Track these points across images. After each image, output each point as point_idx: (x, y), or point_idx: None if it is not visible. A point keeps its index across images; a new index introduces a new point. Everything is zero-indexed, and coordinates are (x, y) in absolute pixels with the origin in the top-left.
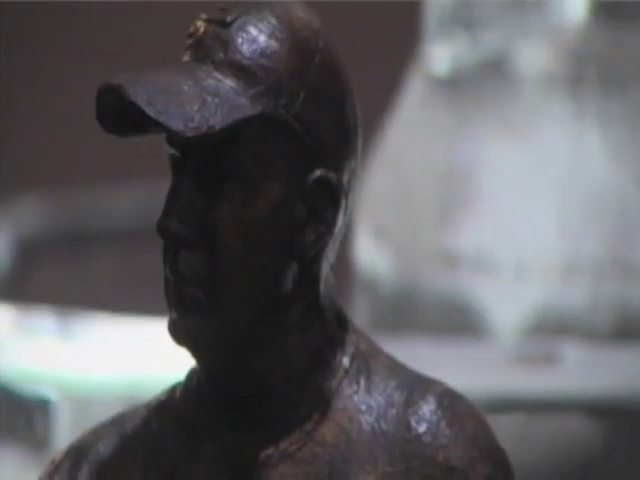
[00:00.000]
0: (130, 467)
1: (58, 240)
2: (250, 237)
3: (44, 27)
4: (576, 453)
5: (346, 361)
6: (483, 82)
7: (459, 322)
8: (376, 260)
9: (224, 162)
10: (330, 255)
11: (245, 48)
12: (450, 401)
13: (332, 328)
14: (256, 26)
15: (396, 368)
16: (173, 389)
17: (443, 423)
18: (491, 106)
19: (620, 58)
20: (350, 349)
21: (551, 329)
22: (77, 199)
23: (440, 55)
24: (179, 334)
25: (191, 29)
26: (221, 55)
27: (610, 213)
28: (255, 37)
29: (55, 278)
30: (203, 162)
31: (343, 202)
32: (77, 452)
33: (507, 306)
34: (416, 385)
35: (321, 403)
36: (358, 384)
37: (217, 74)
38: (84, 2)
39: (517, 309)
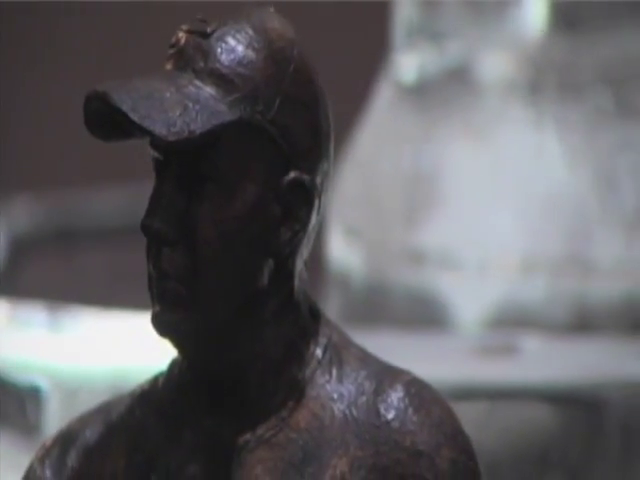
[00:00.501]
0: (115, 452)
1: (49, 239)
2: (228, 235)
3: (38, 32)
4: (534, 438)
5: (319, 352)
6: (448, 89)
7: (425, 315)
8: (347, 257)
9: (204, 165)
10: (304, 252)
11: (224, 57)
12: (417, 389)
13: (306, 321)
14: (234, 37)
15: (366, 359)
16: (156, 379)
17: (410, 410)
18: (455, 111)
19: (577, 66)
20: (323, 341)
21: (511, 322)
22: (66, 200)
23: (407, 64)
24: (162, 327)
25: (173, 39)
26: (201, 64)
27: (567, 213)
28: (233, 47)
29: (46, 274)
30: (184, 165)
31: (316, 202)
32: (66, 438)
33: (470, 300)
34: (385, 375)
35: (295, 391)
36: (330, 374)
37: (197, 82)
38: (72, 3)
39: (479, 303)
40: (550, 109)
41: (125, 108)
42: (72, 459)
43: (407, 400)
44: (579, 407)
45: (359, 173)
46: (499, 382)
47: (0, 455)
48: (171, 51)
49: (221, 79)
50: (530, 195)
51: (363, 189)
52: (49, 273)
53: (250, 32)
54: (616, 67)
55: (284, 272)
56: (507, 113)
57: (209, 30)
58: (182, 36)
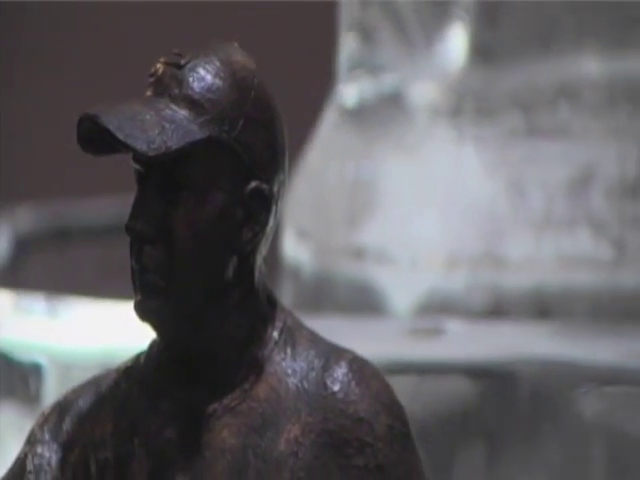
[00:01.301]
0: (103, 418)
1: (47, 238)
2: (200, 235)
3: (40, 46)
4: (457, 407)
5: (276, 334)
6: (383, 112)
7: (364, 303)
8: (299, 254)
9: (179, 175)
10: (263, 250)
11: (195, 85)
12: (358, 366)
13: (264, 308)
14: (204, 67)
15: (315, 339)
16: (138, 356)
17: (353, 383)
18: (389, 131)
19: (491, 93)
20: (279, 325)
21: (437, 309)
22: (63, 206)
23: (349, 91)
24: (142, 313)
25: (152, 70)
26: (176, 91)
27: (484, 216)
28: (203, 76)
29: (44, 269)
30: (162, 175)
31: (273, 207)
32: (61, 407)
33: (402, 290)
34: (331, 353)
35: (256, 368)
36: (285, 352)
37: (173, 106)
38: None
39: (410, 293)
40: (469, 129)
41: (112, 128)
42: (67, 425)
43: (350, 375)
44: (494, 380)
45: (309, 183)
46: (427, 359)
47: (7, 422)
48: (150, 79)
49: (193, 103)
50: (452, 201)
51: (312, 196)
52: (47, 268)
53: (217, 64)
54: (524, 94)
55: (246, 266)
56: (433, 132)
57: (183, 62)
58: (160, 67)
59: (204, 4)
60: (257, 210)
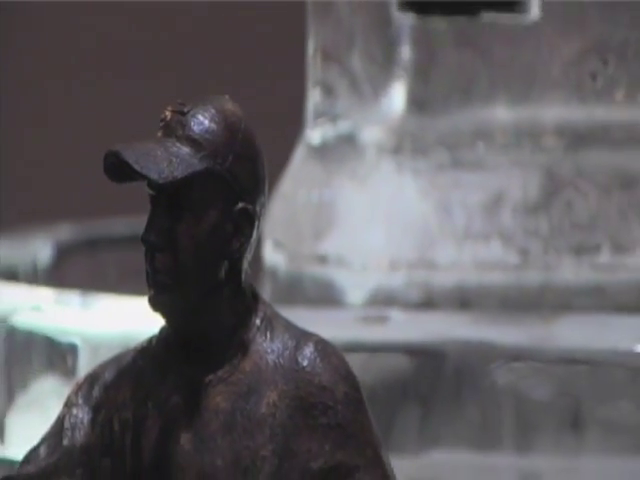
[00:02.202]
0: (124, 387)
1: (81, 246)
2: (198, 245)
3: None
4: (398, 379)
5: (258, 322)
6: (340, 150)
7: (326, 298)
8: (275, 259)
9: (182, 198)
10: (248, 256)
11: (195, 128)
12: (322, 346)
13: (249, 301)
14: (202, 114)
15: (289, 326)
16: (151, 339)
17: (318, 360)
18: (345, 165)
19: (424, 135)
20: (260, 314)
21: (382, 301)
22: (93, 221)
23: (315, 134)
24: (154, 305)
25: (162, 116)
26: (180, 132)
27: (418, 230)
28: (202, 121)
29: (79, 271)
30: (169, 198)
31: (256, 223)
32: (91, 378)
33: (355, 288)
34: (301, 336)
35: (242, 348)
36: (265, 336)
37: (178, 144)
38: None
39: (362, 289)
40: (407, 163)
41: (131, 162)
42: (95, 392)
43: (315, 353)
44: (427, 357)
45: (283, 204)
46: (375, 341)
47: (49, 391)
48: (161, 124)
49: (193, 142)
50: (394, 219)
51: (286, 215)
52: (81, 270)
53: (213, 111)
54: (450, 136)
55: (235, 269)
56: (379, 166)
57: (185, 110)
58: (168, 114)
59: (192, 60)
60: (243, 225)
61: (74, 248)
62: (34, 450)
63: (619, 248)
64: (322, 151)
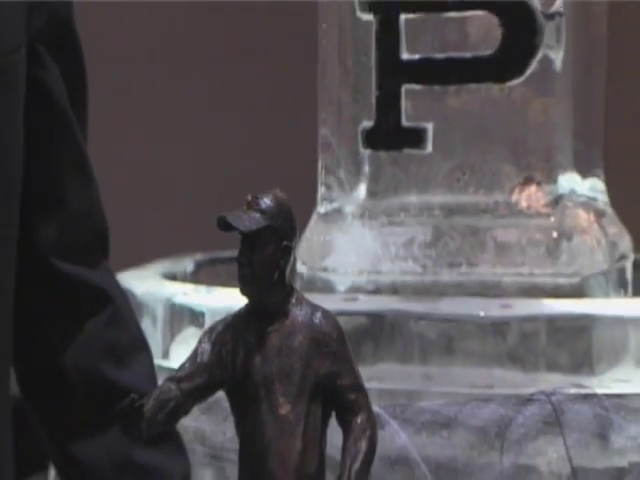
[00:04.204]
0: (227, 333)
1: (204, 265)
2: (264, 264)
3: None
4: (362, 330)
5: (293, 300)
6: (334, 216)
7: (327, 290)
8: (301, 269)
9: (256, 240)
10: (289, 268)
11: (262, 204)
12: (325, 312)
13: (289, 290)
14: (266, 197)
15: (309, 302)
16: (241, 309)
17: (323, 319)
18: (336, 224)
19: (375, 210)
20: (294, 296)
21: (355, 291)
22: (208, 252)
23: (321, 208)
24: (242, 293)
25: (246, 199)
26: (255, 207)
27: (372, 255)
28: (265, 201)
29: (205, 278)
30: (249, 239)
31: (292, 252)
32: (212, 328)
33: (341, 285)
34: (315, 307)
35: (285, 313)
36: (297, 307)
37: (253, 213)
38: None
39: (344, 285)
40: (367, 223)
41: (231, 221)
42: (214, 334)
43: (322, 315)
44: (376, 318)
45: (305, 242)
46: (351, 310)
47: (193, 335)
48: (245, 202)
49: (262, 212)
50: (361, 250)
51: (307, 247)
52: (206, 278)
53: (271, 196)
54: (388, 210)
55: (282, 275)
56: (353, 225)
57: (257, 196)
58: (249, 198)
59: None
60: (286, 253)
61: (203, 265)
62: (182, 364)
63: (471, 264)
64: (325, 217)
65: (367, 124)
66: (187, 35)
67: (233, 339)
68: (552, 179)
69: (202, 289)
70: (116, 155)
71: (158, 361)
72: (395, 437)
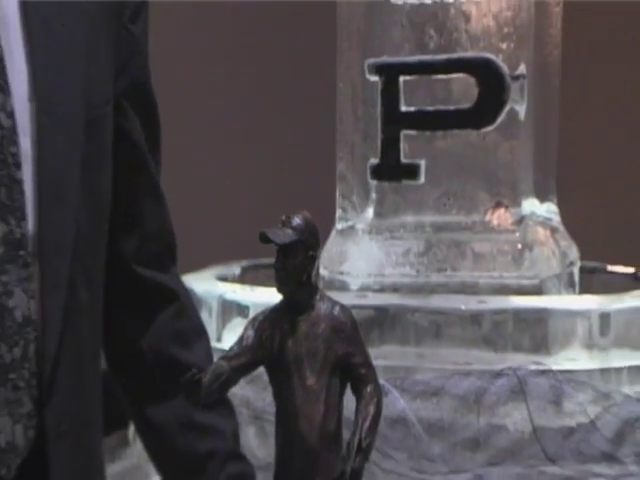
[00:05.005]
0: (266, 322)
1: (249, 271)
2: (295, 269)
3: None
4: (369, 319)
5: (318, 297)
6: (348, 232)
7: (343, 289)
8: (323, 273)
9: (288, 251)
10: (315, 271)
11: (293, 223)
12: (343, 306)
13: (315, 288)
14: (297, 217)
15: (330, 298)
16: (276, 304)
17: (341, 311)
18: (350, 238)
19: (380, 227)
20: (319, 294)
21: (364, 290)
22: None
23: (339, 225)
24: (278, 291)
25: (281, 218)
26: (287, 224)
27: (378, 261)
28: (296, 220)
29: (248, 280)
30: (283, 250)
31: (317, 260)
32: (255, 317)
33: (354, 285)
34: (335, 302)
35: (312, 307)
36: (321, 302)
37: (287, 229)
38: None
39: (356, 285)
40: (374, 237)
41: (270, 236)
42: (256, 323)
43: (340, 308)
44: (381, 311)
45: (326, 252)
46: (362, 304)
47: (239, 324)
48: (280, 221)
49: (293, 229)
50: (369, 258)
51: (327, 256)
52: (250, 283)
53: (300, 216)
54: (390, 231)
55: (310, 277)
56: (363, 238)
57: (290, 216)
58: (284, 218)
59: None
60: (312, 261)
61: (246, 269)
62: (231, 347)
63: (454, 269)
64: (341, 232)
65: (374, 161)
66: (231, 81)
67: (271, 327)
68: (517, 203)
69: (247, 288)
70: (183, 183)
71: (213, 344)
72: (396, 403)
